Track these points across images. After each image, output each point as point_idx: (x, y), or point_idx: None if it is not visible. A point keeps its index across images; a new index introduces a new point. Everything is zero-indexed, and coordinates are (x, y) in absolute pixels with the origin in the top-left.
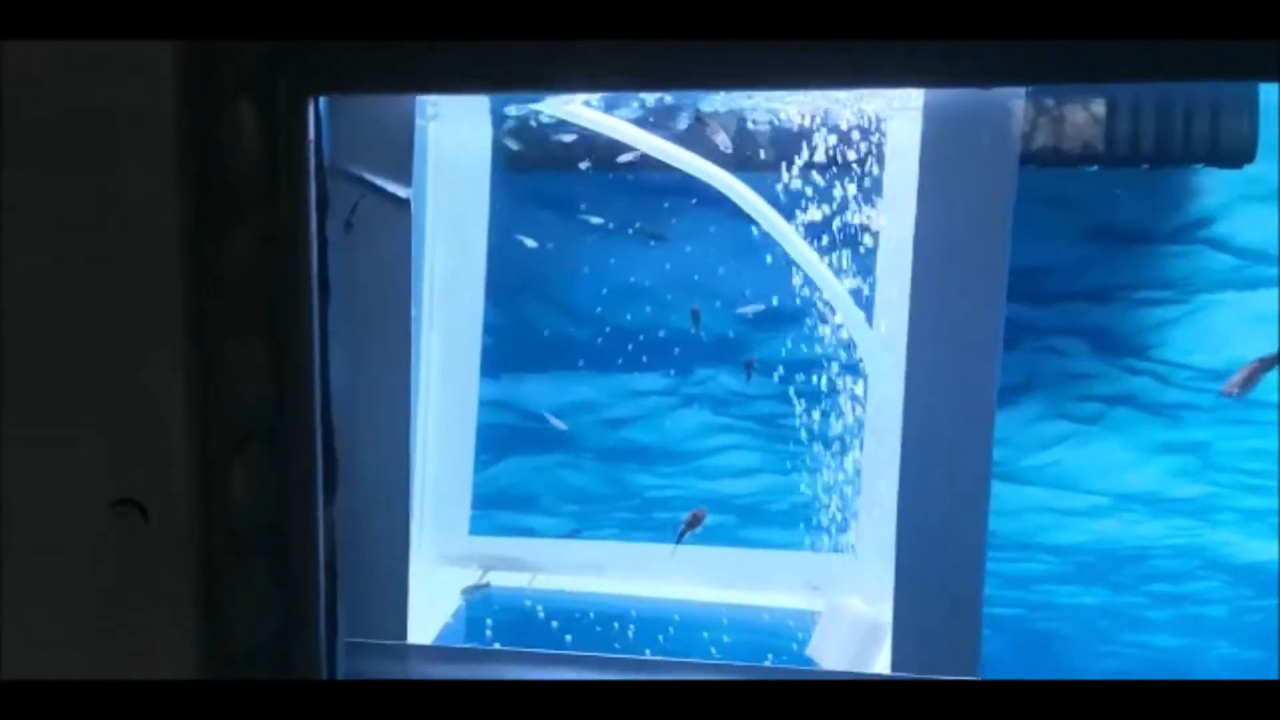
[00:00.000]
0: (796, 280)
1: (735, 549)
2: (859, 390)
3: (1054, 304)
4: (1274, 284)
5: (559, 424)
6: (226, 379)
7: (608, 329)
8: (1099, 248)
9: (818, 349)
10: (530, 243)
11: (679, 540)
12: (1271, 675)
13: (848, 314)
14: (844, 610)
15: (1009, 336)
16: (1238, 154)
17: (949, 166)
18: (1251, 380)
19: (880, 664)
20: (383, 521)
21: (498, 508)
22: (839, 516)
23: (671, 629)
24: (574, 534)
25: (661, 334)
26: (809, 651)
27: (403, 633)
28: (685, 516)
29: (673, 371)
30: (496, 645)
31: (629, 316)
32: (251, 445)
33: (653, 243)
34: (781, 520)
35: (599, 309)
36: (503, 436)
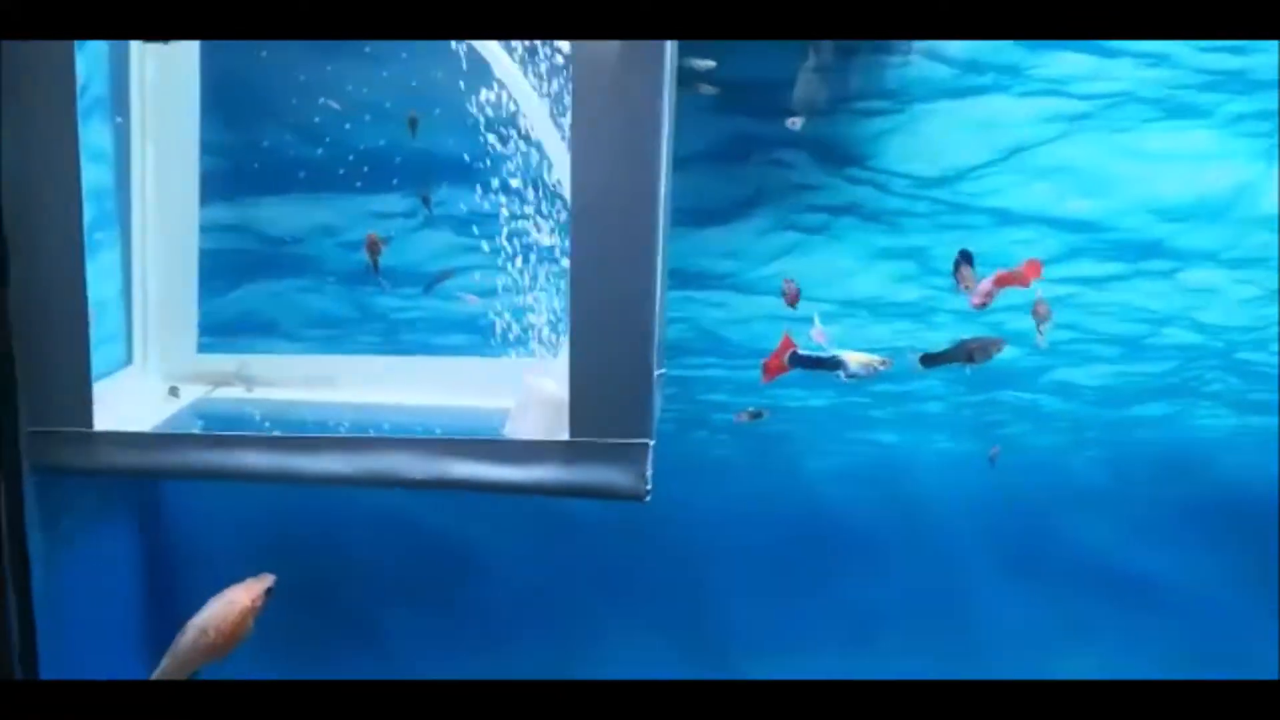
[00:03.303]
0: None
1: (469, 359)
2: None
3: (778, 118)
4: (987, 91)
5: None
6: None
7: (347, 150)
8: (815, 58)
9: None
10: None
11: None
12: None
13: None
14: (535, 390)
15: (737, 151)
16: None
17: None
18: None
19: (564, 432)
20: (59, 316)
21: (237, 334)
22: (559, 324)
23: (386, 426)
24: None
25: (399, 159)
26: (505, 429)
27: (88, 425)
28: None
29: (413, 192)
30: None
31: (367, 138)
32: None
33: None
34: (519, 333)
35: (336, 129)
36: (240, 261)
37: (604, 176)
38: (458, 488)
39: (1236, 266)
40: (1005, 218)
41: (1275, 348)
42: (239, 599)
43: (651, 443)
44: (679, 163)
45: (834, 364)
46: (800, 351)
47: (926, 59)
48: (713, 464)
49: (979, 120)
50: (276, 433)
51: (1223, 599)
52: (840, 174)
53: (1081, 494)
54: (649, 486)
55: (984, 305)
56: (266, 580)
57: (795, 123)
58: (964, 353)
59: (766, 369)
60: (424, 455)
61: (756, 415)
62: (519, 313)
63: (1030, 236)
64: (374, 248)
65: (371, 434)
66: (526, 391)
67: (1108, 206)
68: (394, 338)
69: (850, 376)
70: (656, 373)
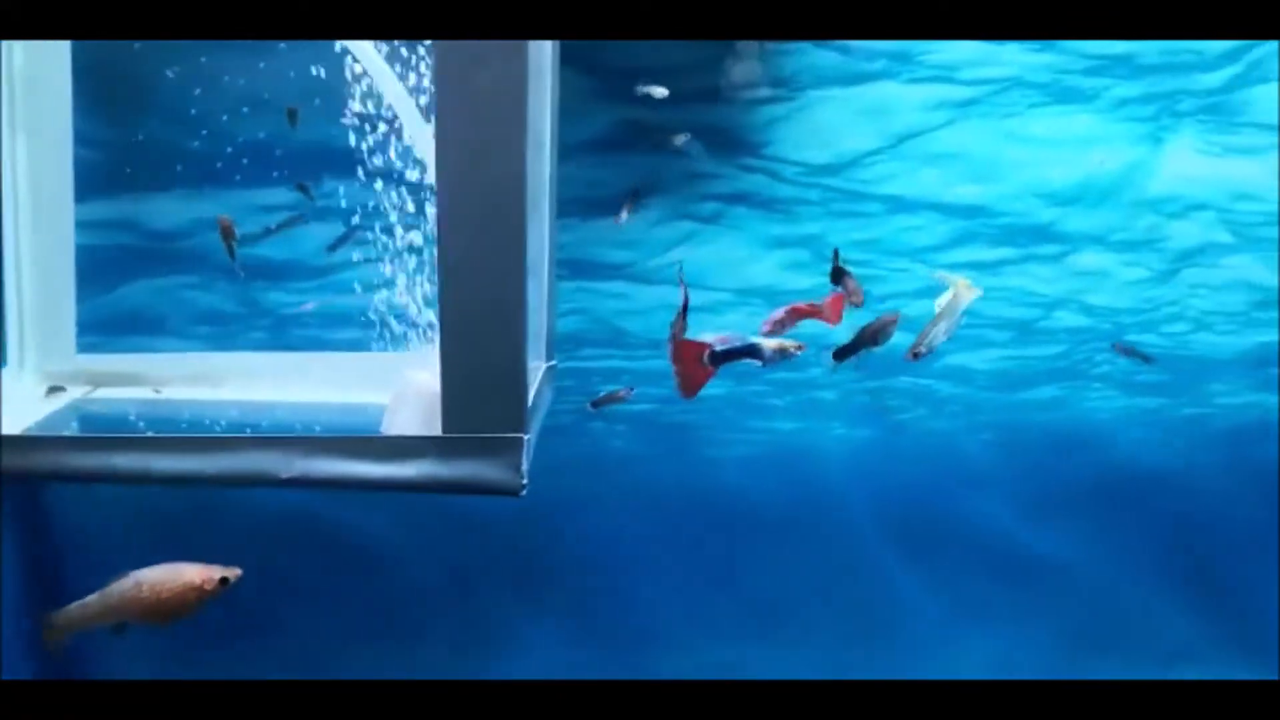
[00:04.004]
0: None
1: (358, 354)
2: None
3: (672, 106)
4: (877, 78)
5: (308, 307)
6: None
7: (225, 142)
8: (711, 47)
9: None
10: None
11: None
12: None
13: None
14: (410, 385)
15: (630, 139)
16: None
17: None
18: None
19: (438, 427)
20: None
21: (123, 332)
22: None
23: (265, 425)
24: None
25: (279, 152)
26: (382, 425)
27: None
28: None
29: (300, 185)
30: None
31: (250, 131)
32: None
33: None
34: (405, 327)
35: (214, 121)
36: (122, 259)
37: (468, 167)
38: (329, 486)
39: (1124, 249)
40: (897, 204)
41: (1163, 329)
42: (189, 573)
43: (527, 437)
44: (570, 152)
45: (752, 352)
46: (718, 348)
47: (815, 46)
48: (613, 455)
49: (869, 107)
50: (149, 433)
51: (1113, 576)
52: (734, 162)
53: (976, 476)
54: (525, 481)
55: (772, 334)
56: (229, 571)
57: (681, 139)
58: (868, 337)
59: (692, 383)
60: (293, 454)
61: (614, 399)
62: (403, 306)
63: (921, 222)
64: (227, 232)
65: (243, 433)
66: (402, 386)
67: (997, 191)
68: (283, 333)
69: (767, 363)
70: (546, 365)
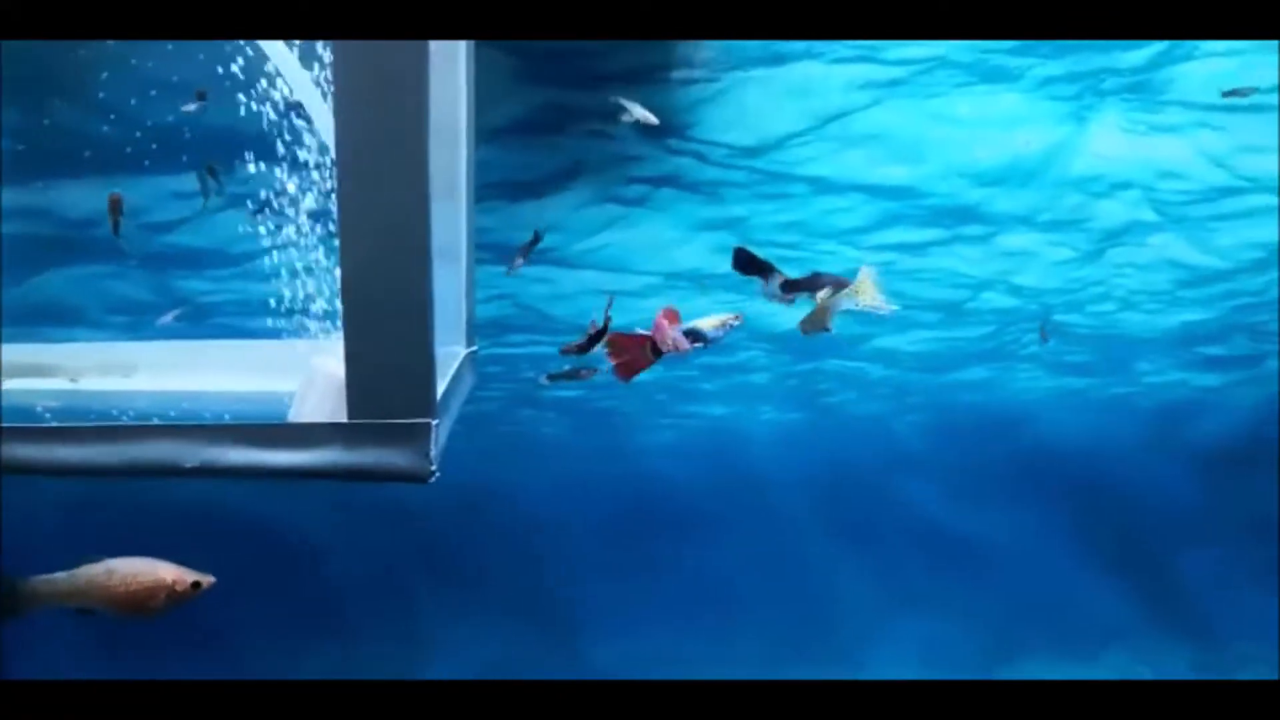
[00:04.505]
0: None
1: (273, 341)
2: None
3: (594, 88)
4: (800, 58)
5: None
6: None
7: (134, 127)
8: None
9: None
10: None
11: None
12: None
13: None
14: (318, 371)
15: (554, 123)
16: None
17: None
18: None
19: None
20: None
21: (38, 323)
22: None
23: (173, 414)
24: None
25: (189, 135)
26: (290, 412)
27: None
28: None
29: (209, 167)
30: None
31: (155, 114)
32: None
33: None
34: (324, 313)
35: (122, 106)
36: (36, 248)
37: (368, 150)
38: (234, 475)
39: (1050, 229)
40: (823, 186)
41: (1090, 309)
42: (163, 571)
43: (435, 422)
44: (493, 135)
45: (693, 337)
46: (659, 344)
47: None
48: (542, 441)
49: (794, 88)
50: (53, 424)
51: (1044, 554)
52: (660, 144)
53: (906, 458)
54: (434, 468)
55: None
56: (203, 577)
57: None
58: (818, 284)
59: (628, 368)
60: (197, 442)
61: (574, 375)
62: (316, 292)
63: (848, 204)
64: (115, 207)
65: (149, 422)
66: (310, 373)
67: (923, 172)
68: (201, 321)
69: (711, 342)
70: (466, 351)
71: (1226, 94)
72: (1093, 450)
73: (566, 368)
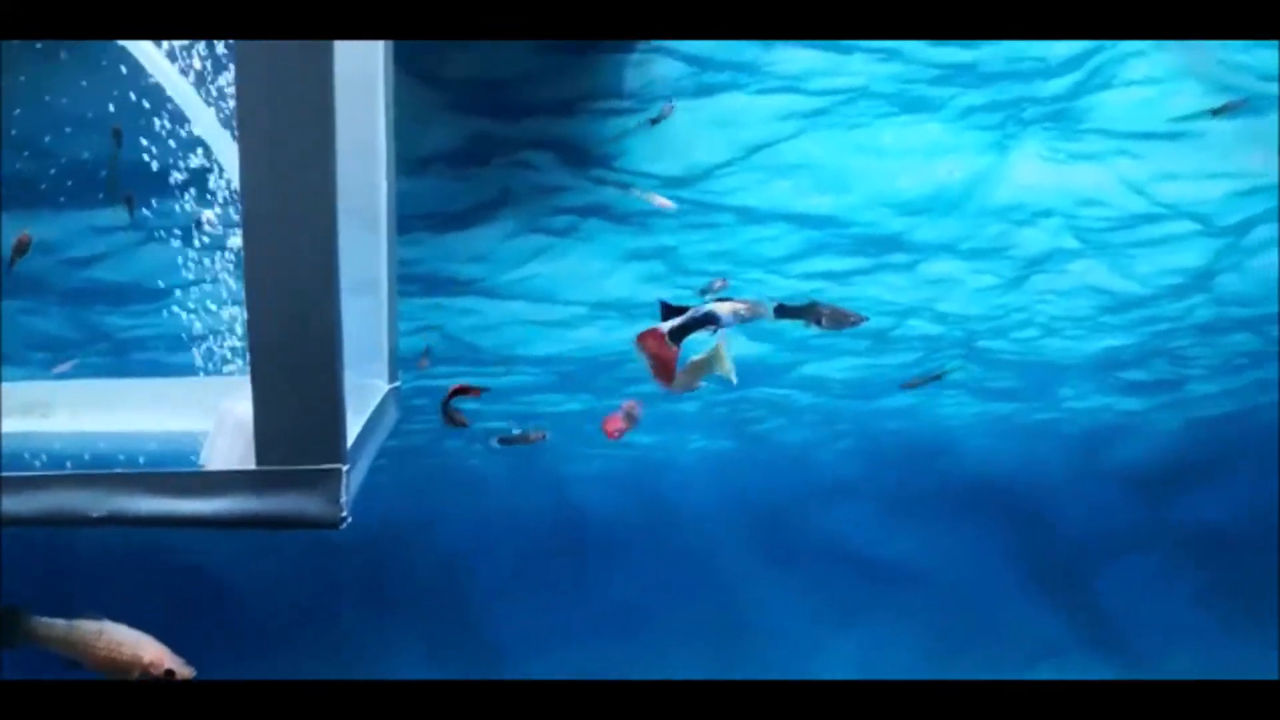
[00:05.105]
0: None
1: (196, 379)
2: None
3: (520, 118)
4: (725, 89)
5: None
6: None
7: (49, 163)
8: (559, 58)
9: None
10: None
11: None
12: None
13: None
14: (227, 415)
15: (479, 153)
16: None
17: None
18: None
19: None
20: None
21: None
22: None
23: (86, 456)
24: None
25: (105, 172)
26: (201, 457)
27: None
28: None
29: (138, 203)
30: None
31: (70, 150)
32: None
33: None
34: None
35: (35, 143)
36: None
37: (272, 183)
38: (143, 524)
39: (973, 257)
40: (749, 216)
41: (1014, 335)
42: (146, 650)
43: (345, 468)
44: (418, 165)
45: (708, 319)
46: (674, 324)
47: (662, 56)
48: (470, 473)
49: (719, 118)
50: None
51: (971, 578)
52: (586, 175)
53: (835, 485)
54: (345, 514)
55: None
56: (182, 669)
57: None
58: (815, 314)
59: (666, 368)
60: (104, 491)
61: (524, 439)
62: (236, 327)
63: (774, 233)
64: (20, 249)
65: (63, 469)
66: (221, 416)
67: (847, 202)
68: (124, 357)
69: (723, 326)
70: (388, 387)
71: (1216, 111)
72: (1019, 475)
73: (516, 432)
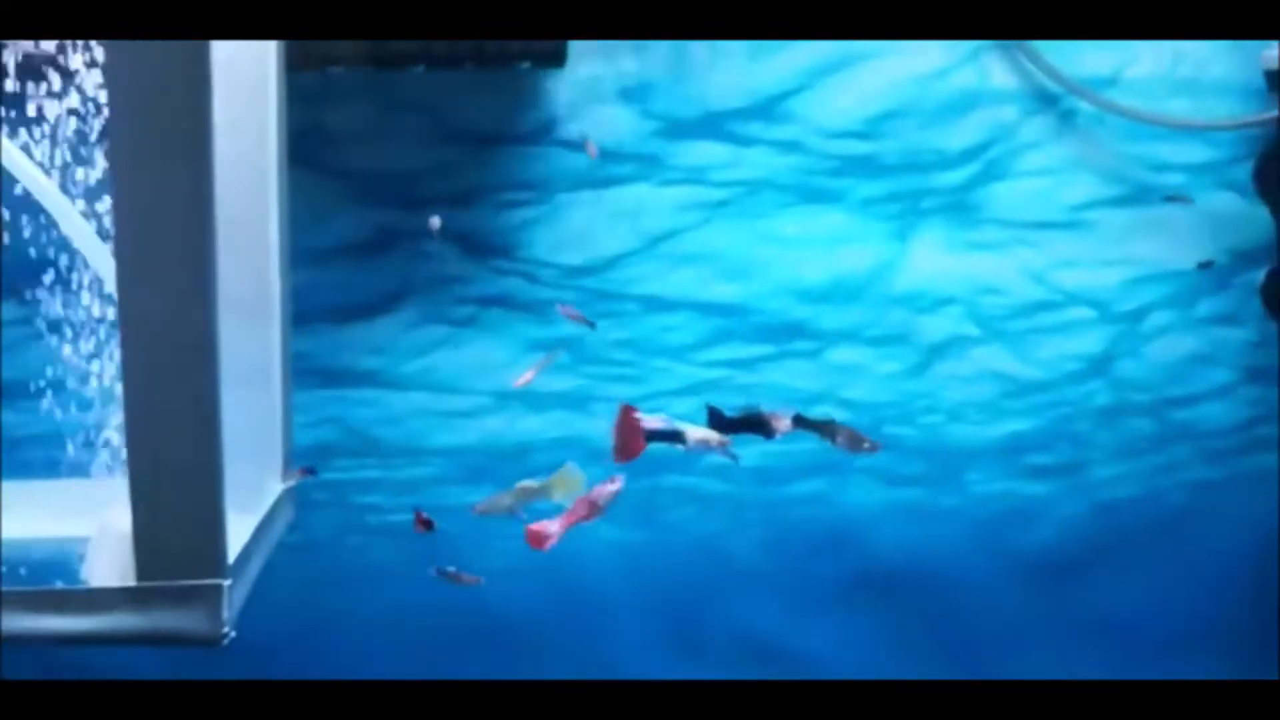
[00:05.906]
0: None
1: (88, 481)
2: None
3: (422, 208)
4: (628, 180)
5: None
6: None
7: None
8: (458, 150)
9: None
10: None
11: None
12: None
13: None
14: (108, 526)
15: (381, 241)
16: (553, 54)
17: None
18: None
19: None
20: None
21: None
22: None
23: None
24: None
25: None
26: (84, 573)
27: None
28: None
29: (27, 295)
30: None
31: None
32: None
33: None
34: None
35: None
36: None
37: (149, 277)
38: (17, 642)
39: (877, 344)
40: (654, 304)
41: (919, 421)
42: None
43: (227, 583)
44: (318, 257)
45: (675, 437)
46: (650, 427)
47: (563, 149)
48: (371, 569)
49: (623, 209)
50: None
51: (879, 665)
52: (487, 265)
53: (744, 575)
54: (227, 630)
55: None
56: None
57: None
58: (831, 432)
59: (627, 450)
60: None
61: (460, 579)
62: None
63: (679, 321)
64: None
65: None
66: (102, 526)
67: (752, 290)
68: (13, 456)
69: (689, 450)
70: (281, 488)
71: (1169, 199)
72: (926, 562)
73: (451, 570)
